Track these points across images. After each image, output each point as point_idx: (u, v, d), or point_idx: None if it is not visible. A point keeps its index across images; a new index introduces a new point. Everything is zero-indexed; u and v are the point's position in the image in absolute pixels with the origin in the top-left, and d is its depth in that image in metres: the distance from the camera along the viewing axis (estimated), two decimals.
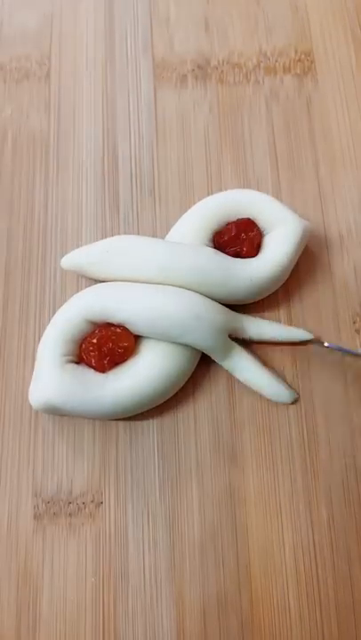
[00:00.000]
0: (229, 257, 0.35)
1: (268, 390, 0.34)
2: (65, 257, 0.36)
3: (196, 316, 0.33)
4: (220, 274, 0.34)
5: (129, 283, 0.35)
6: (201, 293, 0.34)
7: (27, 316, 0.37)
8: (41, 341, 0.34)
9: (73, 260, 0.36)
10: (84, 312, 0.33)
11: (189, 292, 0.34)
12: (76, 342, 0.33)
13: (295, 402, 0.35)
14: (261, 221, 0.36)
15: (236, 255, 0.35)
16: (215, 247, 0.36)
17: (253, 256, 0.35)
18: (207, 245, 0.35)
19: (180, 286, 0.34)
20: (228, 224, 0.36)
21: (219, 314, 0.34)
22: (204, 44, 0.44)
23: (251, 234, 0.35)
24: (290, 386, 0.35)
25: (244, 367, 0.34)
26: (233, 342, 0.35)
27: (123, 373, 0.33)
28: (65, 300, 0.35)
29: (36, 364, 0.33)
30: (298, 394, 0.35)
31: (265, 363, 0.36)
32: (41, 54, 0.43)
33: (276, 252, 0.35)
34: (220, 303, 0.35)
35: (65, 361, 0.33)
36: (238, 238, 0.35)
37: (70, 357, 0.33)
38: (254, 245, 0.35)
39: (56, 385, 0.32)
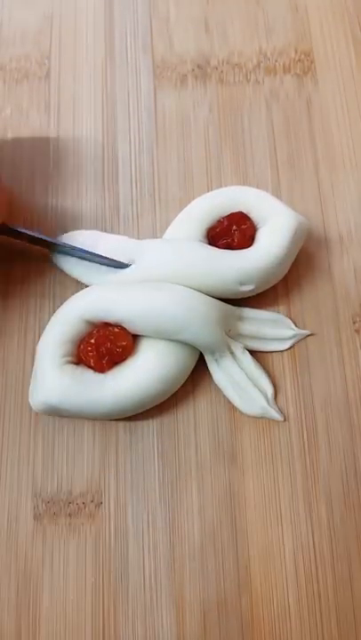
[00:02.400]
0: (216, 248, 0.35)
1: (238, 402, 0.34)
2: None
3: (190, 310, 0.33)
4: (203, 264, 0.34)
5: (127, 282, 0.35)
6: (190, 287, 0.34)
7: (26, 315, 0.37)
8: (40, 342, 0.34)
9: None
10: (82, 312, 0.33)
11: (183, 287, 0.34)
12: (74, 343, 0.33)
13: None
14: (255, 216, 0.36)
15: (227, 247, 0.35)
16: (209, 242, 0.36)
17: (246, 248, 0.35)
18: (202, 241, 0.36)
19: (166, 281, 0.34)
20: (220, 218, 0.36)
21: (214, 307, 0.34)
22: (204, 44, 0.44)
23: (243, 226, 0.36)
24: (276, 406, 0.35)
25: (230, 372, 0.34)
26: (232, 341, 0.35)
27: (122, 373, 0.33)
28: (65, 300, 0.35)
29: (35, 364, 0.33)
30: (284, 415, 0.35)
31: (265, 363, 0.36)
32: (41, 54, 0.43)
33: (268, 242, 0.35)
34: (217, 299, 0.35)
35: (64, 362, 0.33)
36: (230, 231, 0.36)
37: (69, 358, 0.33)
38: (246, 237, 0.36)
39: (55, 386, 0.32)
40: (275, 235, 0.35)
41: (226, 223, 0.36)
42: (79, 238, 0.37)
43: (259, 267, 0.35)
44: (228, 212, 0.36)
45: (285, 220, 0.35)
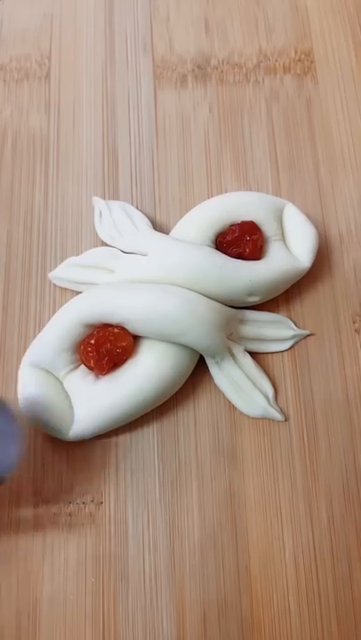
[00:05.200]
0: (228, 257, 0.35)
1: (239, 404, 0.34)
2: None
3: (194, 315, 0.32)
4: (216, 272, 0.34)
5: (126, 282, 0.35)
6: (198, 291, 0.34)
7: (27, 316, 0.37)
8: (37, 347, 0.34)
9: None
10: (82, 315, 0.33)
11: (187, 290, 0.34)
12: (74, 349, 0.33)
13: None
14: (267, 226, 0.36)
15: (238, 256, 0.35)
16: (217, 248, 0.36)
17: (256, 259, 0.35)
18: (210, 247, 0.35)
19: (175, 284, 0.34)
20: (231, 225, 0.36)
21: (217, 312, 0.34)
22: (204, 44, 0.44)
23: (254, 236, 0.35)
24: (278, 407, 0.35)
25: (231, 374, 0.34)
26: (233, 344, 0.35)
27: (121, 376, 0.33)
28: (65, 300, 0.35)
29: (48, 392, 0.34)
30: (284, 415, 0.35)
31: (265, 363, 0.36)
32: (41, 54, 0.43)
33: (281, 257, 0.35)
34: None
35: (66, 372, 0.33)
36: (242, 240, 0.35)
37: (70, 367, 0.33)
38: (257, 248, 0.35)
39: (82, 418, 0.33)
40: (291, 250, 0.36)
41: (238, 232, 0.35)
42: (112, 206, 0.38)
43: (270, 280, 0.35)
44: (238, 219, 0.36)
45: (306, 237, 0.36)
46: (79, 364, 0.34)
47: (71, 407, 0.33)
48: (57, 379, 0.33)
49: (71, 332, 0.33)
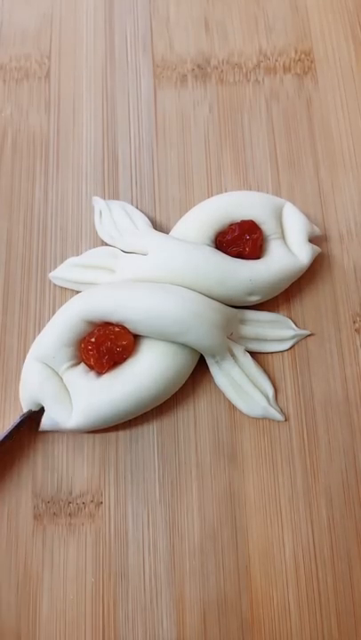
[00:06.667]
0: (228, 256, 0.35)
1: (240, 404, 0.34)
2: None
3: (195, 314, 0.32)
4: (216, 271, 0.34)
5: (127, 281, 0.35)
6: (198, 291, 0.34)
7: (27, 315, 0.37)
8: (39, 345, 0.34)
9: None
10: (83, 312, 0.33)
11: (188, 290, 0.34)
12: (74, 345, 0.33)
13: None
14: (267, 225, 0.36)
15: (238, 255, 0.35)
16: (217, 247, 0.36)
17: (255, 258, 0.35)
18: (210, 246, 0.35)
19: (176, 283, 0.34)
20: (231, 224, 0.36)
21: (218, 312, 0.34)
22: (204, 43, 0.44)
23: (254, 235, 0.35)
24: (278, 406, 0.35)
25: (232, 374, 0.34)
26: (233, 343, 0.35)
27: (121, 376, 0.33)
28: (65, 300, 0.35)
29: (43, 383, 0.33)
30: (285, 415, 0.35)
31: (265, 363, 0.36)
32: (41, 54, 0.43)
33: (282, 256, 0.35)
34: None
35: (66, 367, 0.33)
36: (241, 239, 0.35)
37: (71, 363, 0.33)
38: (257, 247, 0.35)
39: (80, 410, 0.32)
40: (291, 249, 0.35)
41: (238, 231, 0.35)
42: (112, 206, 0.38)
43: (271, 279, 0.35)
44: (238, 218, 0.36)
45: (305, 235, 0.36)
46: (79, 362, 0.34)
47: (70, 401, 0.33)
48: (57, 373, 0.33)
49: (72, 327, 0.33)
